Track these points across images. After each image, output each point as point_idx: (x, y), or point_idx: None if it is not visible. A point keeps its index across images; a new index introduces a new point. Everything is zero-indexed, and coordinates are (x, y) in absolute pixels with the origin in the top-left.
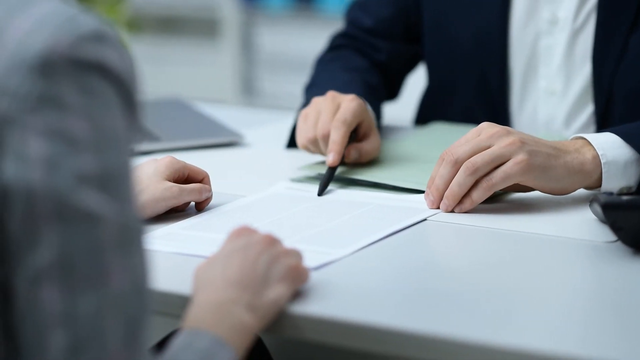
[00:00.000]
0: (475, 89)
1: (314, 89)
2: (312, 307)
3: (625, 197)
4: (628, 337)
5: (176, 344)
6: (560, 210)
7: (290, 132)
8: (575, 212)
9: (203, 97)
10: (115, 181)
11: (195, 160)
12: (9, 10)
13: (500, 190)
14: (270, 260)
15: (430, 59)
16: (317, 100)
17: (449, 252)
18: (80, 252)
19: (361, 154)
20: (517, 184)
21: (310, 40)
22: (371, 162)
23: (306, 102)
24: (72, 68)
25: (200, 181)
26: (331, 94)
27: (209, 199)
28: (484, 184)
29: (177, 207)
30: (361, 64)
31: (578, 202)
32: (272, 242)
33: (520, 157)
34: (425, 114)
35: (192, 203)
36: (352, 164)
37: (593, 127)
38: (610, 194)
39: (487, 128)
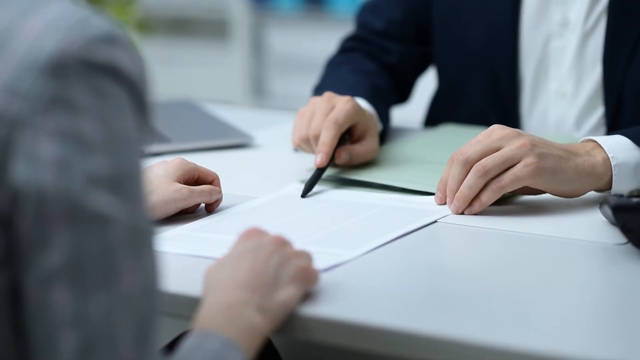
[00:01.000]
0: (485, 90)
1: (320, 91)
2: (322, 309)
3: (635, 199)
4: (639, 339)
5: (186, 345)
6: (570, 212)
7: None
8: (585, 214)
9: (213, 99)
10: (126, 183)
11: (206, 161)
12: (21, 12)
13: (510, 192)
14: (281, 261)
15: (440, 60)
16: (314, 100)
17: (458, 254)
18: (91, 254)
19: (353, 156)
20: (527, 186)
21: (321, 41)
22: (382, 164)
23: None
24: (84, 70)
25: (210, 183)
26: (328, 95)
27: (219, 200)
28: (493, 185)
29: (187, 208)
30: (370, 67)
31: (588, 204)
32: (282, 243)
33: (530, 160)
34: (435, 116)
35: (202, 205)
36: (362, 165)
37: (603, 129)
38: (621, 196)
39: (497, 130)
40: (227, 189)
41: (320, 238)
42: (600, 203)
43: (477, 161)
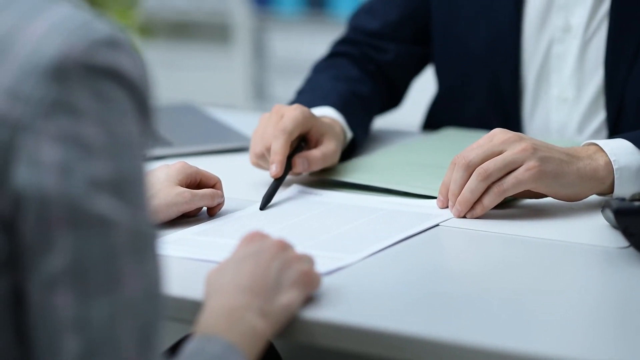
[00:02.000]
0: (487, 94)
1: (299, 96)
2: (323, 313)
3: (637, 203)
4: None
5: (188, 349)
6: (572, 215)
7: None
8: (587, 218)
9: (215, 102)
10: (129, 186)
11: (208, 165)
12: (23, 16)
13: (512, 196)
14: (282, 265)
15: (440, 64)
16: (263, 116)
17: (460, 257)
18: (93, 258)
19: (310, 162)
20: (529, 190)
21: (322, 45)
22: (383, 167)
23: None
24: (86, 74)
25: (212, 186)
26: (276, 107)
27: (221, 204)
28: (495, 189)
29: (189, 212)
30: (353, 73)
31: (589, 207)
32: (284, 247)
33: (532, 164)
34: (436, 120)
35: (204, 208)
36: (364, 169)
37: (605, 133)
38: (623, 199)
39: (499, 134)
40: (229, 192)
41: (322, 242)
42: (602, 207)
43: (479, 165)
